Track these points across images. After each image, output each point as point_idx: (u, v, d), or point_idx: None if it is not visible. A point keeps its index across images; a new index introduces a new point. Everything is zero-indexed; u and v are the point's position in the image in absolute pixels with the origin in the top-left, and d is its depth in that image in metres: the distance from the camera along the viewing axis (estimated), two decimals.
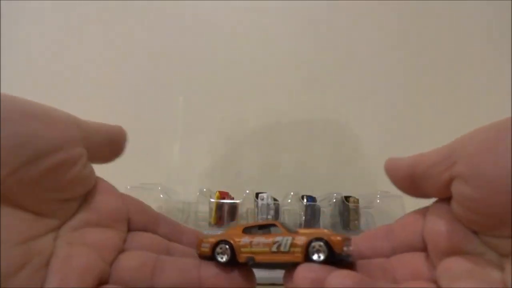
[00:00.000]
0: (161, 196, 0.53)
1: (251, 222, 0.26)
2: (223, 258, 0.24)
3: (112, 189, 0.26)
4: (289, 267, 0.23)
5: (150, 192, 0.52)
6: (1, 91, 0.20)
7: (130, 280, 0.22)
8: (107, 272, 0.22)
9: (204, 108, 0.67)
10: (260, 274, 0.43)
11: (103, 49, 0.69)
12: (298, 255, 0.22)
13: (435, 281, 0.21)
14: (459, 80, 0.67)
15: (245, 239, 0.24)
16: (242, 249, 0.23)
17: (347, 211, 0.52)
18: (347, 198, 0.53)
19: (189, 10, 0.69)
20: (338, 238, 0.21)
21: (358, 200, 0.53)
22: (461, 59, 0.68)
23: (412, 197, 0.24)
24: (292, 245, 0.22)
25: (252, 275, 0.25)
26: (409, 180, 0.23)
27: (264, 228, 0.24)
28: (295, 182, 0.63)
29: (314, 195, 0.53)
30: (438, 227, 0.22)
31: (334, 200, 0.53)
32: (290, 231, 0.23)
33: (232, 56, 0.68)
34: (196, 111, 0.67)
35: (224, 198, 0.51)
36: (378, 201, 0.53)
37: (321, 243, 0.21)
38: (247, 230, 0.25)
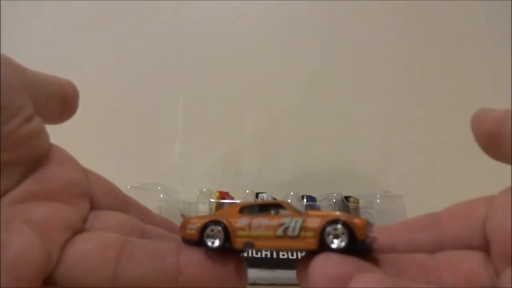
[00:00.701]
0: (161, 196, 0.53)
1: (250, 201, 0.20)
2: (214, 243, 0.19)
3: (72, 160, 0.21)
4: (301, 260, 0.19)
5: (150, 192, 0.52)
6: None
7: (86, 268, 0.17)
8: (55, 258, 0.17)
9: (204, 108, 0.67)
10: (260, 274, 0.43)
11: (102, 49, 0.69)
12: (310, 241, 0.17)
13: None
14: (459, 80, 0.67)
15: (243, 220, 0.19)
16: (239, 232, 0.19)
17: (347, 211, 0.52)
18: (347, 198, 0.53)
19: (189, 10, 0.69)
20: (362, 221, 0.17)
21: (358, 200, 0.53)
22: (460, 59, 0.68)
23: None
24: (303, 228, 0.17)
25: (243, 265, 0.20)
26: (493, 136, 0.18)
27: (266, 208, 0.20)
28: (295, 182, 0.63)
29: (314, 195, 0.53)
30: (509, 224, 0.17)
31: (334, 200, 0.53)
32: (299, 213, 0.19)
33: (232, 56, 0.68)
34: (196, 111, 0.67)
35: (224, 198, 0.51)
36: (378, 201, 0.53)
37: (341, 227, 0.17)
38: (245, 210, 0.20)
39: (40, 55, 0.68)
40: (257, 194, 0.52)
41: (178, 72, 0.68)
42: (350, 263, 0.16)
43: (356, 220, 0.17)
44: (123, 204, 0.23)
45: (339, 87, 0.67)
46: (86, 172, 0.22)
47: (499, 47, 0.67)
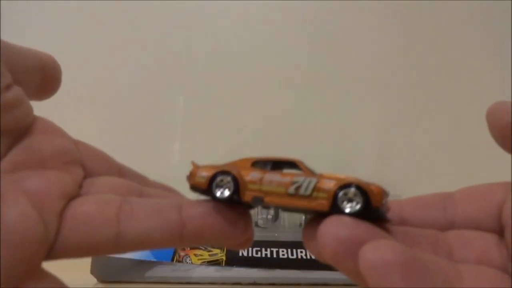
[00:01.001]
0: None
1: (263, 156, 0.20)
2: (223, 194, 0.18)
3: (59, 130, 0.21)
4: (308, 222, 0.18)
5: None
6: None
7: (86, 230, 0.17)
8: (53, 229, 0.16)
9: (204, 108, 0.67)
10: (260, 274, 0.43)
11: (102, 49, 0.69)
12: (322, 202, 0.16)
13: (510, 273, 0.16)
14: (459, 81, 0.67)
15: (255, 174, 0.18)
16: (250, 186, 0.18)
17: None
18: None
19: (189, 10, 0.69)
20: (378, 188, 0.16)
21: None
22: (460, 60, 0.68)
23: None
24: (316, 188, 0.17)
25: (249, 217, 0.19)
26: (510, 129, 0.17)
27: (280, 165, 0.19)
28: None
29: None
30: None
31: None
32: (313, 173, 0.18)
33: (232, 56, 0.68)
34: (196, 111, 0.67)
35: None
36: None
37: (356, 190, 0.16)
38: (258, 165, 0.19)
39: None
40: None
41: (178, 72, 0.68)
42: (362, 227, 0.15)
43: (373, 187, 0.16)
44: (118, 171, 0.22)
45: (339, 87, 0.67)
46: (75, 142, 0.21)
47: (499, 47, 0.67)
